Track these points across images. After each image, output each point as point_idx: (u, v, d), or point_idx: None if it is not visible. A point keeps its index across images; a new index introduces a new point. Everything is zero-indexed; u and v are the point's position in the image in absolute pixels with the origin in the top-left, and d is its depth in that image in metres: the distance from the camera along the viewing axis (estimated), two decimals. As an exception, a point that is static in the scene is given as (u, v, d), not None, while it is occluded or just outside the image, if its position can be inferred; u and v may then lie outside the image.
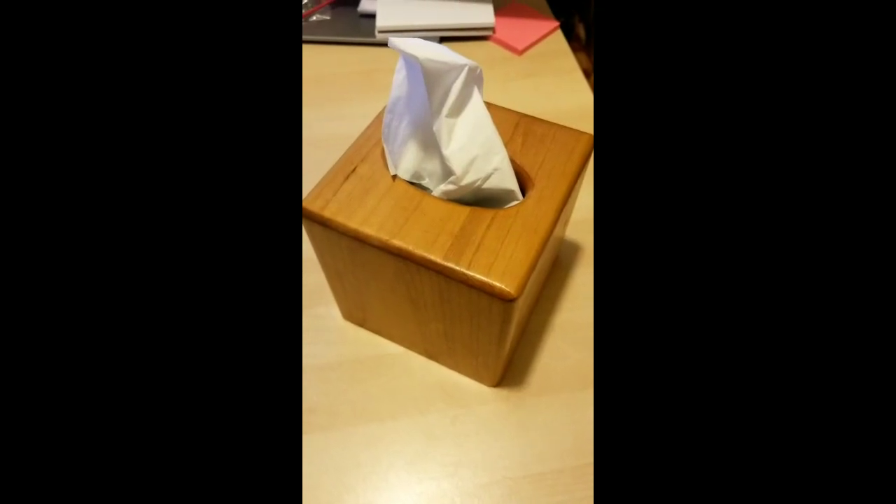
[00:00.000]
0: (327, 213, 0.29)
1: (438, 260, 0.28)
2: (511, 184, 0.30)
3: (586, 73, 0.61)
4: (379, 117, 0.34)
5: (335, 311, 0.42)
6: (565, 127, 0.34)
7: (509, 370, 0.39)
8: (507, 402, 0.38)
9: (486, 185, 0.30)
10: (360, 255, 0.30)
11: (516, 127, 0.34)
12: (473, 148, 0.29)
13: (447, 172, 0.30)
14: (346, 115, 0.56)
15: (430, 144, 0.31)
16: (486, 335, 0.31)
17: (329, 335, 0.41)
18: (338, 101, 0.58)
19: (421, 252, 0.28)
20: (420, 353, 0.40)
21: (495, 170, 0.30)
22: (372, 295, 0.35)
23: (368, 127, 0.34)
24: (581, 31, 1.12)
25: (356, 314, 0.40)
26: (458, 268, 0.27)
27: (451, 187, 0.30)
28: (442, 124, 0.29)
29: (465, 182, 0.29)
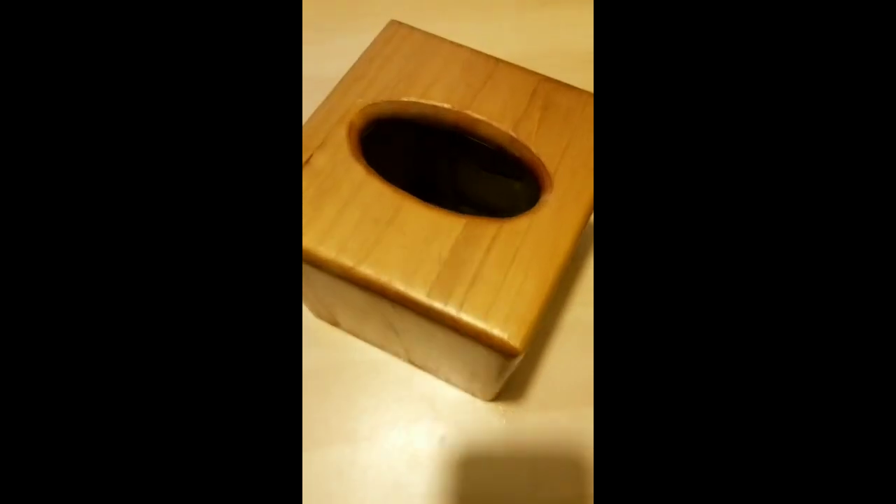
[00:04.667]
0: (272, 224, 0.22)
1: (420, 299, 0.21)
2: None
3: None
4: (347, 77, 0.26)
5: (304, 307, 0.35)
6: (598, 98, 0.25)
7: (508, 382, 0.34)
8: (504, 419, 0.33)
9: None
10: (319, 278, 0.23)
11: (533, 95, 0.25)
12: None
13: None
14: (325, 53, 0.45)
15: None
16: (483, 371, 0.25)
17: (298, 333, 0.35)
18: (316, 28, 0.47)
19: (397, 286, 0.21)
20: (404, 360, 0.34)
21: None
22: (345, 311, 0.28)
23: (333, 92, 0.25)
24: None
25: (328, 316, 0.33)
26: (445, 310, 0.20)
27: None
28: None
29: None
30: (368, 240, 0.22)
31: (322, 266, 0.21)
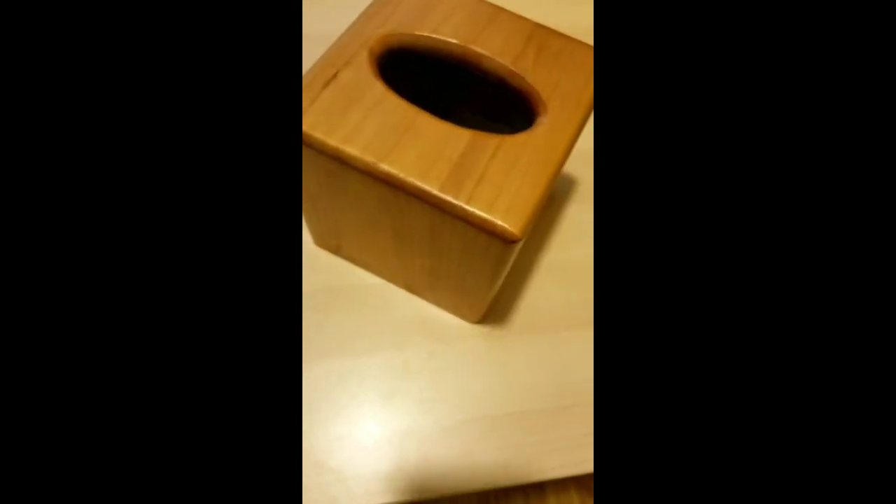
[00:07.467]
0: (303, 126, 0.25)
1: (434, 191, 0.24)
2: None
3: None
4: (368, 10, 0.29)
5: (306, 235, 0.38)
6: (586, 44, 0.29)
7: (493, 308, 0.38)
8: (489, 340, 0.37)
9: None
10: (339, 178, 0.26)
11: (529, 38, 0.29)
12: None
13: None
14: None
15: None
16: (477, 275, 0.29)
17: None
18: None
19: (413, 180, 0.24)
20: (399, 285, 0.37)
21: None
22: (350, 223, 0.31)
23: (355, 22, 0.28)
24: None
25: (330, 241, 0.36)
26: (456, 202, 0.24)
27: None
28: None
29: None
30: (388, 142, 0.25)
31: (348, 162, 0.25)
